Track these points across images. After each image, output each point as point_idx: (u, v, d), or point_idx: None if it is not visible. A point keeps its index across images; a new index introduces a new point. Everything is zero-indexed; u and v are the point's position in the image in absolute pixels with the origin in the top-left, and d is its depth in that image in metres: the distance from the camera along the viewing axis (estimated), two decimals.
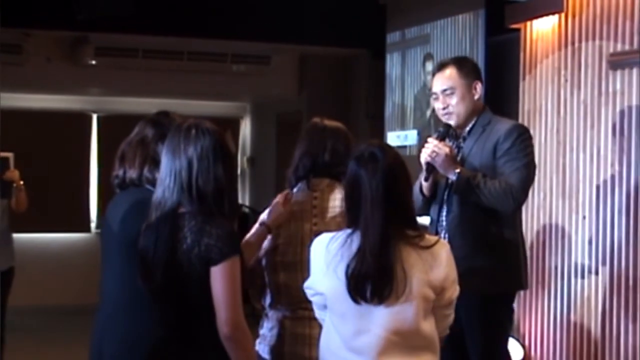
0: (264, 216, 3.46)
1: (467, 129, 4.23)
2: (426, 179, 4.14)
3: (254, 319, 3.35)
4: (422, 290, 2.90)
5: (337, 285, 2.91)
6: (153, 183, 3.22)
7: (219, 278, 2.90)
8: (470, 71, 4.26)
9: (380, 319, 2.89)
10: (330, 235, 3.00)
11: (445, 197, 4.19)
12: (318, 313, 3.12)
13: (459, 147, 4.23)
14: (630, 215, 5.21)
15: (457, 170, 4.05)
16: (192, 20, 8.21)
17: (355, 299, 2.88)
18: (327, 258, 2.95)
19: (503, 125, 4.18)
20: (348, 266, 2.88)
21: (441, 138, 4.19)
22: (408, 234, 2.95)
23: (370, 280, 2.86)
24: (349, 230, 2.95)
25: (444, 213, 4.19)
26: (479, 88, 4.23)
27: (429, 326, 2.97)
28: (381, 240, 2.87)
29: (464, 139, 4.24)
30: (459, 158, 4.16)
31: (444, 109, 4.23)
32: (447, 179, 4.13)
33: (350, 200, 2.96)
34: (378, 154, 2.96)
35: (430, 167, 4.10)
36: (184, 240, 2.92)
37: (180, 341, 2.99)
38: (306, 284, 3.08)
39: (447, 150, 4.07)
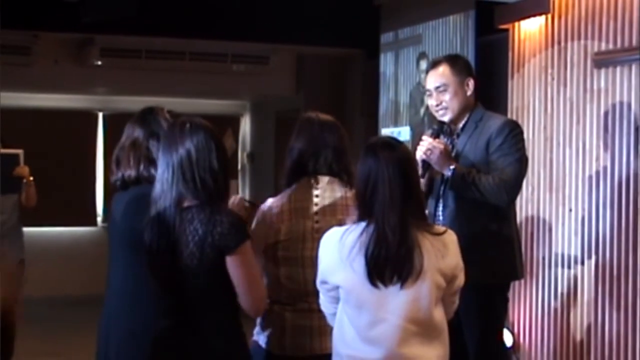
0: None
1: (460, 125, 4.21)
2: (422, 176, 4.11)
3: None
4: (434, 277, 2.89)
5: (353, 276, 2.88)
6: (149, 180, 3.26)
7: (238, 265, 2.93)
8: (463, 68, 4.24)
9: (397, 307, 2.85)
10: (342, 229, 2.96)
11: (441, 192, 4.18)
12: (327, 307, 3.06)
13: (453, 144, 4.22)
14: (614, 208, 5.22)
15: (452, 167, 4.03)
16: (194, 22, 8.20)
17: (375, 283, 2.84)
18: (343, 251, 2.90)
19: (495, 121, 4.17)
20: (367, 252, 2.85)
21: (435, 135, 4.18)
22: (421, 221, 2.95)
23: (391, 261, 2.83)
24: (363, 223, 2.91)
25: (440, 207, 4.18)
26: (471, 84, 4.21)
27: (439, 315, 2.95)
28: (401, 221, 2.85)
29: (458, 135, 4.22)
30: (453, 154, 4.15)
31: (437, 105, 4.21)
32: (443, 174, 4.12)
33: (365, 190, 2.91)
34: (393, 142, 2.98)
35: (425, 164, 4.08)
36: (195, 232, 2.92)
37: (184, 329, 3.00)
38: (320, 279, 3.01)
39: (441, 147, 4.05)
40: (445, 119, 4.21)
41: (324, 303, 3.08)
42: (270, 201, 3.46)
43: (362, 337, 2.90)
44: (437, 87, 4.20)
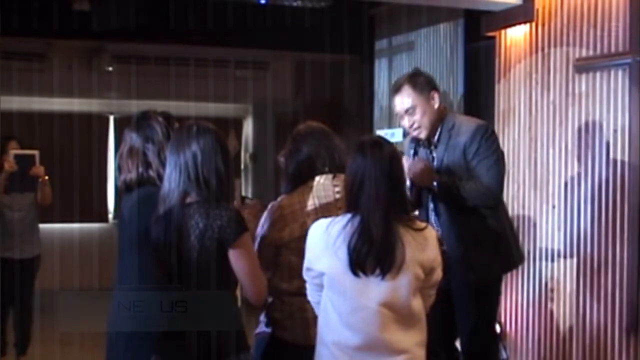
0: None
1: (436, 137, 4.17)
2: (410, 194, 4.05)
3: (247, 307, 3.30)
4: (414, 268, 2.91)
5: (337, 264, 2.89)
6: (150, 181, 3.32)
7: (238, 256, 2.94)
8: (425, 85, 4.15)
9: (377, 295, 2.87)
10: (328, 220, 2.99)
11: (430, 203, 4.15)
12: (312, 295, 3.08)
13: (432, 154, 4.19)
14: (594, 205, 5.23)
15: (436, 183, 4.02)
16: (199, 30, 8.21)
17: (356, 272, 2.86)
18: (328, 240, 2.92)
19: (467, 127, 4.11)
20: (350, 242, 2.87)
21: (414, 152, 4.18)
22: (403, 216, 2.96)
23: (373, 253, 2.85)
24: (349, 215, 2.93)
25: (434, 217, 4.14)
26: (436, 97, 4.14)
27: (418, 304, 2.97)
28: (385, 216, 2.86)
29: (435, 145, 4.17)
30: (434, 164, 4.13)
31: (411, 126, 4.16)
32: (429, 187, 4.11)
33: (353, 185, 2.93)
34: (381, 141, 3.00)
35: (411, 183, 4.05)
36: (196, 226, 2.94)
37: (187, 321, 3.01)
38: (306, 266, 3.03)
39: (421, 166, 4.02)
40: (422, 136, 4.17)
41: (310, 292, 3.10)
42: (286, 197, 3.46)
43: (344, 323, 2.92)
44: (407, 110, 4.14)
